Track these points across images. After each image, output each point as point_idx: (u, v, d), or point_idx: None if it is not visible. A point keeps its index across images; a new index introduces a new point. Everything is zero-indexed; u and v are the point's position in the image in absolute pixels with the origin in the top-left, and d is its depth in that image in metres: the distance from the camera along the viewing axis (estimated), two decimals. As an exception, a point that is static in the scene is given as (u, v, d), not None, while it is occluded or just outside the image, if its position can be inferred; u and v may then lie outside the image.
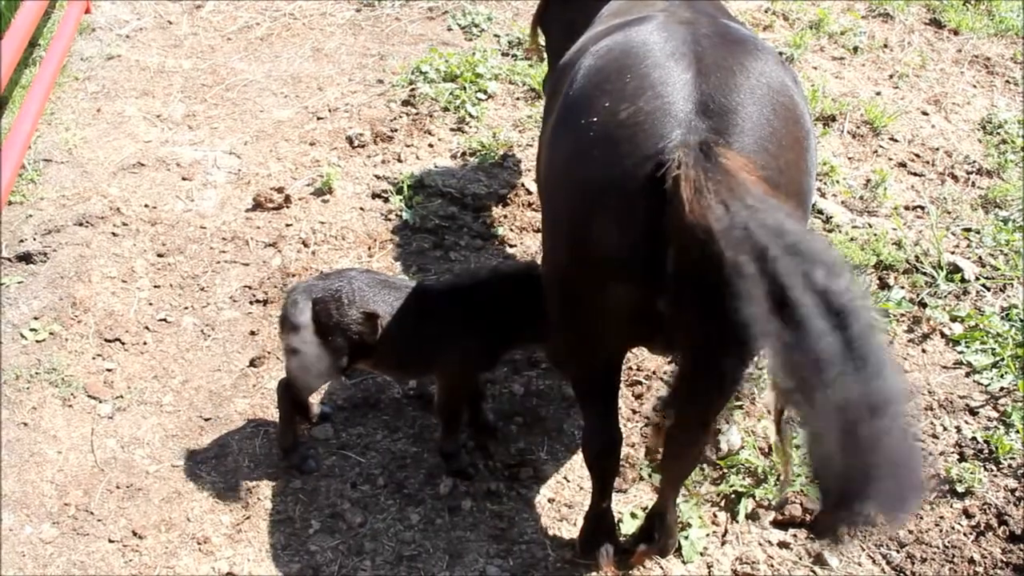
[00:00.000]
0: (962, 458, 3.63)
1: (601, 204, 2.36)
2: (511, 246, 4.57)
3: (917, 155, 5.34)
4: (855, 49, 6.26)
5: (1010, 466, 3.59)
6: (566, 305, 2.70)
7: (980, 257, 4.60)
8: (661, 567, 3.22)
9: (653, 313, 2.39)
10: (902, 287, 4.38)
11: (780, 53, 5.94)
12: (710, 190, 2.11)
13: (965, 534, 3.36)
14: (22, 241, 4.40)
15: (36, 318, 4.02)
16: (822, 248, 2.08)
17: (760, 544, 3.32)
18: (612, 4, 3.50)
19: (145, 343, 3.98)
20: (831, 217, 4.78)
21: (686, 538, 3.27)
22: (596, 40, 2.69)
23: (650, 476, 3.51)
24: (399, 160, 5.04)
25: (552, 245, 2.76)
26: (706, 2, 3.14)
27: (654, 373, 3.90)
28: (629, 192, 2.28)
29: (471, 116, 5.34)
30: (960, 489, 3.49)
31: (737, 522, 3.38)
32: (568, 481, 3.51)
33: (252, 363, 3.90)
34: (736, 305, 2.06)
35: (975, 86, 6.00)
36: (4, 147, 4.58)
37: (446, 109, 5.40)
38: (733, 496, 3.45)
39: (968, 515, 3.42)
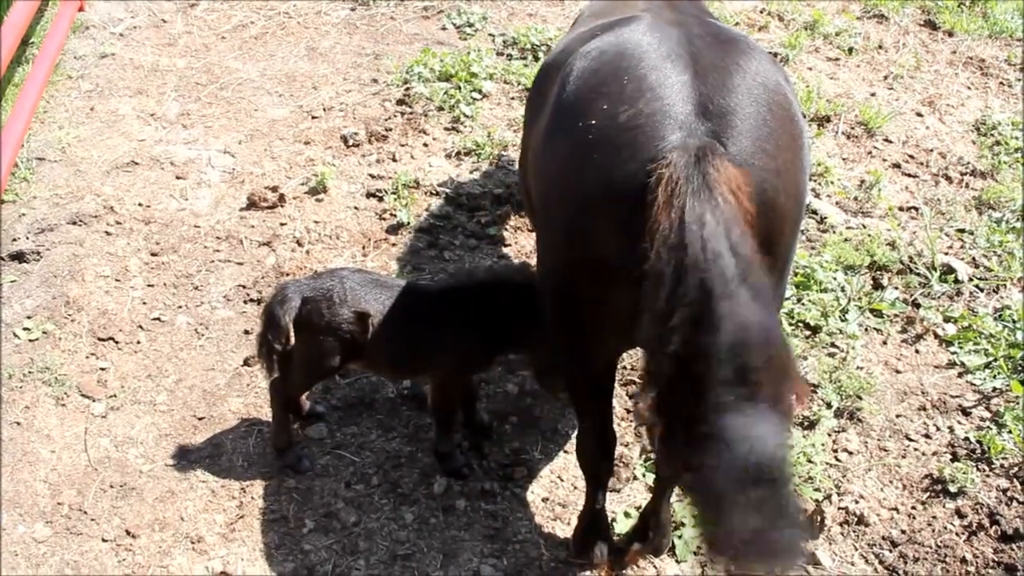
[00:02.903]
0: (955, 458, 3.64)
1: (601, 207, 2.35)
2: (506, 246, 4.57)
3: (911, 156, 5.35)
4: (850, 50, 6.27)
5: (1002, 466, 3.60)
6: (563, 308, 2.69)
7: (974, 258, 4.61)
8: (655, 566, 3.22)
9: None
10: (896, 288, 4.40)
11: (775, 54, 5.96)
12: (678, 200, 2.16)
13: (957, 534, 3.37)
14: (15, 240, 4.38)
15: (29, 317, 4.01)
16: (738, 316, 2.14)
17: (754, 544, 3.33)
18: (593, 5, 3.50)
19: (139, 342, 3.97)
20: (825, 218, 4.79)
21: (680, 537, 3.28)
22: (583, 41, 2.68)
23: (644, 475, 3.51)
24: (394, 159, 5.03)
25: (548, 248, 2.74)
26: (687, 2, 3.16)
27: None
28: (630, 195, 2.27)
29: (466, 115, 5.34)
30: (953, 489, 3.50)
31: (731, 522, 3.38)
32: (562, 480, 3.51)
33: (246, 362, 3.90)
34: (643, 304, 2.19)
35: (969, 88, 6.03)
36: (-3, 145, 4.57)
37: (441, 108, 5.40)
38: (727, 496, 3.45)
39: (960, 515, 3.43)
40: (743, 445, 2.16)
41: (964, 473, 3.52)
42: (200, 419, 3.67)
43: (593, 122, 2.36)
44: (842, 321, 4.17)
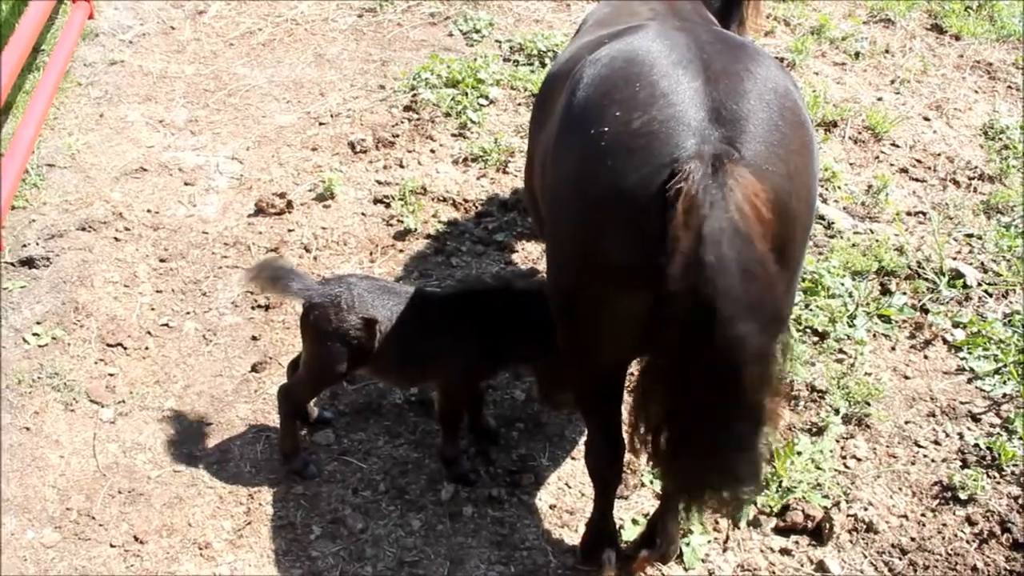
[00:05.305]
0: (964, 465, 3.63)
1: (615, 213, 2.35)
2: (513, 252, 4.58)
3: (919, 161, 5.34)
4: (856, 55, 6.26)
5: (1013, 473, 3.58)
6: (574, 314, 2.69)
7: (982, 263, 4.59)
8: (663, 574, 3.21)
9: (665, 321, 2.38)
10: (904, 293, 4.38)
11: (781, 59, 5.96)
12: (697, 217, 2.17)
13: (968, 541, 3.35)
14: (25, 246, 4.40)
15: (39, 323, 4.02)
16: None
17: (762, 551, 3.32)
18: (595, 14, 3.52)
19: (147, 348, 3.98)
20: (833, 223, 4.78)
21: (688, 544, 3.27)
22: (591, 49, 2.69)
23: (652, 482, 3.50)
24: (401, 166, 5.04)
25: (558, 255, 2.74)
26: (689, 8, 3.17)
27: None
28: (644, 200, 2.28)
29: (473, 122, 5.35)
30: (963, 496, 3.48)
31: (739, 529, 3.37)
32: (570, 487, 3.51)
33: (254, 368, 3.90)
34: (658, 322, 2.27)
35: (977, 91, 6.01)
36: (7, 152, 4.59)
37: (448, 115, 5.41)
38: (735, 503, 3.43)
39: (971, 522, 3.41)
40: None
41: (974, 480, 3.51)
42: (208, 425, 3.68)
43: (606, 129, 2.36)
44: (850, 327, 4.15)
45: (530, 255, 4.55)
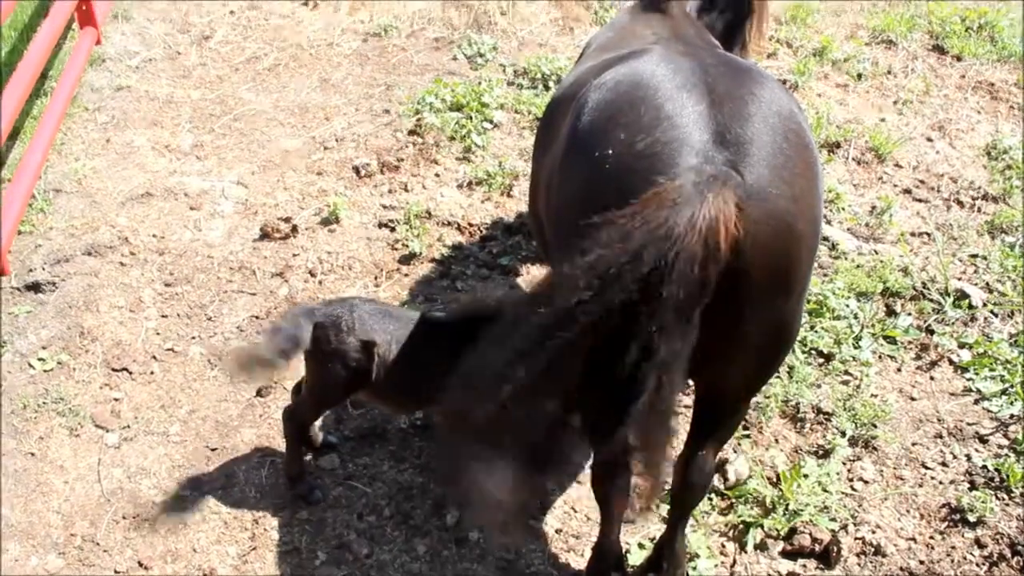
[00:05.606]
0: (973, 486, 3.60)
1: None
2: (518, 276, 4.58)
3: (922, 181, 5.35)
4: (859, 76, 6.30)
5: (1022, 494, 3.56)
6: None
7: (987, 283, 4.59)
8: (670, 599, 3.18)
9: None
10: (909, 314, 4.37)
11: (784, 81, 5.99)
12: (656, 208, 2.15)
13: (977, 564, 3.32)
14: (31, 271, 4.42)
15: (44, 347, 4.03)
16: None
17: (769, 574, 3.29)
18: (598, 39, 3.55)
19: (152, 373, 3.98)
20: (837, 244, 4.78)
21: (694, 569, 3.24)
22: (596, 73, 2.71)
23: (658, 506, 3.48)
24: (406, 190, 5.07)
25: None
26: (692, 33, 3.19)
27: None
28: None
29: (477, 145, 5.38)
30: (971, 518, 3.45)
31: (746, 552, 3.35)
32: (575, 512, 3.49)
33: (259, 393, 3.90)
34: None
35: (979, 112, 6.03)
36: (15, 177, 4.63)
37: (452, 139, 5.44)
38: (741, 526, 3.42)
39: (980, 545, 3.39)
40: None
41: (983, 502, 3.48)
42: (213, 450, 3.68)
43: (610, 152, 2.37)
44: (855, 348, 4.14)
45: (535, 279, 4.55)
